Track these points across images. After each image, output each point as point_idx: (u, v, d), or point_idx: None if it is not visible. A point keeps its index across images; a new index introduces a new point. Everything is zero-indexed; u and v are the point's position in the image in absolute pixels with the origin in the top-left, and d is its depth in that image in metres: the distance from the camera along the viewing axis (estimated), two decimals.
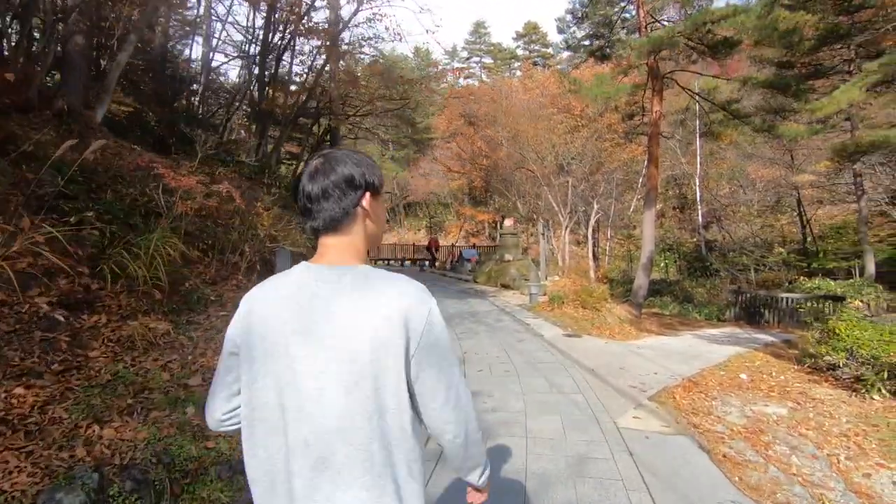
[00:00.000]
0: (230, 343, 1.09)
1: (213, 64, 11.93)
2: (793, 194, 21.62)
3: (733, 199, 28.48)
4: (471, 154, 24.22)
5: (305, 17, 9.93)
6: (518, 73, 44.19)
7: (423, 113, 43.66)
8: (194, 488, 2.77)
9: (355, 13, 11.45)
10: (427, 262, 22.95)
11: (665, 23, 14.51)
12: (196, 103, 11.97)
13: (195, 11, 11.90)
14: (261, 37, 9.78)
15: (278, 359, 1.00)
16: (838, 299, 14.04)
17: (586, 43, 15.20)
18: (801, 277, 19.05)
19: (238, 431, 1.10)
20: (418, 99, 43.80)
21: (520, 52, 49.92)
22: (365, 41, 12.18)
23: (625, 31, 14.50)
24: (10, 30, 7.04)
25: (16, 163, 4.42)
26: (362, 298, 1.00)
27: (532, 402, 5.04)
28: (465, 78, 50.13)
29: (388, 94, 14.61)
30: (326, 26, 10.34)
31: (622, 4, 15.69)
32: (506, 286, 14.25)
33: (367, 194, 1.11)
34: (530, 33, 49.29)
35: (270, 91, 9.69)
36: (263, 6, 9.38)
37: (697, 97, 15.20)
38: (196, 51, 14.65)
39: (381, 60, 13.51)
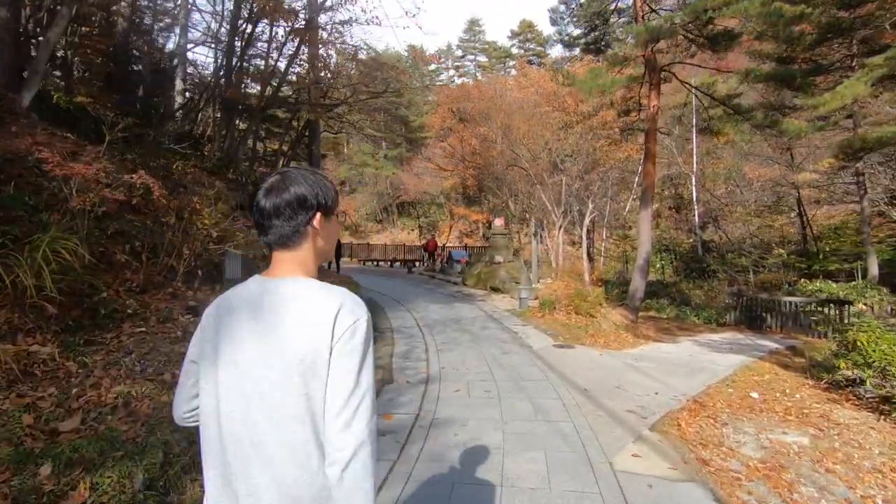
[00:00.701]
0: (192, 351, 1.19)
1: (191, 56, 11.19)
2: (792, 194, 20.89)
3: (730, 199, 27.81)
4: (462, 153, 23.37)
5: None
6: (513, 71, 43.44)
7: (417, 112, 42.90)
8: None
9: None
10: (416, 263, 22.14)
11: (663, 12, 13.73)
12: (170, 95, 11.17)
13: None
14: (230, 19, 8.94)
15: (226, 365, 1.08)
16: (844, 303, 13.29)
17: (579, 32, 14.35)
18: (803, 280, 18.32)
19: (198, 427, 1.16)
20: (411, 97, 43.18)
21: (515, 50, 49.15)
22: (341, 24, 11.33)
23: (622, 20, 13.70)
24: None
25: None
26: (298, 309, 1.06)
27: (513, 433, 4.22)
28: (460, 76, 49.39)
29: (372, 85, 13.72)
30: (300, 8, 9.53)
31: None
32: (495, 289, 13.44)
33: (319, 214, 1.16)
34: (525, 31, 48.53)
35: (237, 79, 8.84)
36: None
37: (696, 91, 14.42)
38: (175, 42, 13.77)
39: (363, 49, 12.66)
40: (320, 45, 11.95)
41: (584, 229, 15.41)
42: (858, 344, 6.20)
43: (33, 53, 6.74)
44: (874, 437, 4.88)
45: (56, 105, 7.36)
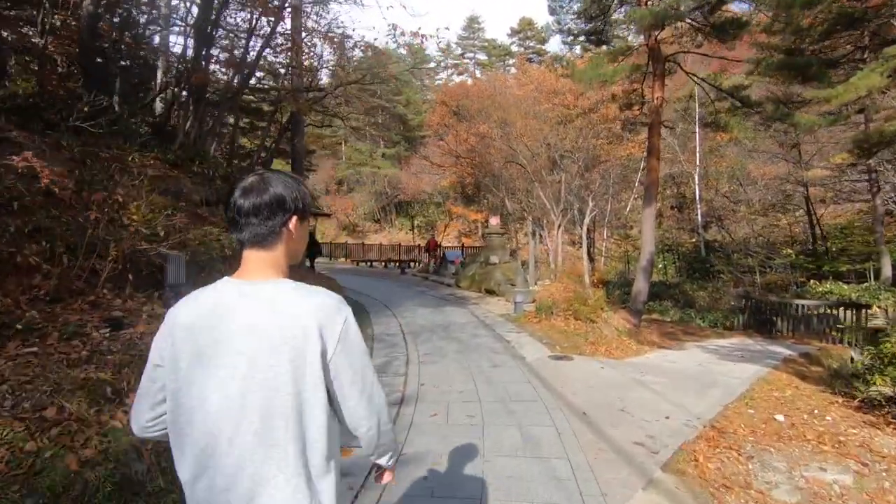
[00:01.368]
0: (156, 356, 1.14)
1: (179, 50, 10.35)
2: (800, 192, 20.02)
3: (734, 198, 27.01)
4: (458, 151, 22.52)
5: None
6: (513, 69, 42.59)
7: (416, 110, 42.10)
8: None
9: None
10: (411, 264, 21.34)
11: None
12: (150, 87, 10.38)
13: None
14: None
15: (202, 368, 1.06)
16: (862, 307, 12.45)
17: (580, 22, 13.52)
18: (812, 281, 17.47)
19: (161, 438, 1.19)
20: (409, 96, 42.39)
21: (514, 48, 48.33)
22: (317, 3, 10.46)
23: (623, 8, 12.88)
24: None
25: None
26: (280, 311, 1.07)
27: (495, 474, 3.42)
28: (459, 74, 48.59)
29: (356, 73, 12.89)
30: None
31: None
32: (490, 292, 12.62)
33: (295, 217, 1.18)
34: (525, 29, 47.70)
35: (205, 62, 8.03)
36: None
37: (703, 83, 13.59)
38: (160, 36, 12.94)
39: (350, 37, 11.81)
40: (303, 32, 11.17)
41: (585, 228, 14.59)
42: None
43: None
44: None
45: (15, 95, 6.62)
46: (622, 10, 13.80)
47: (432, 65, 51.86)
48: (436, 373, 5.98)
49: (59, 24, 8.77)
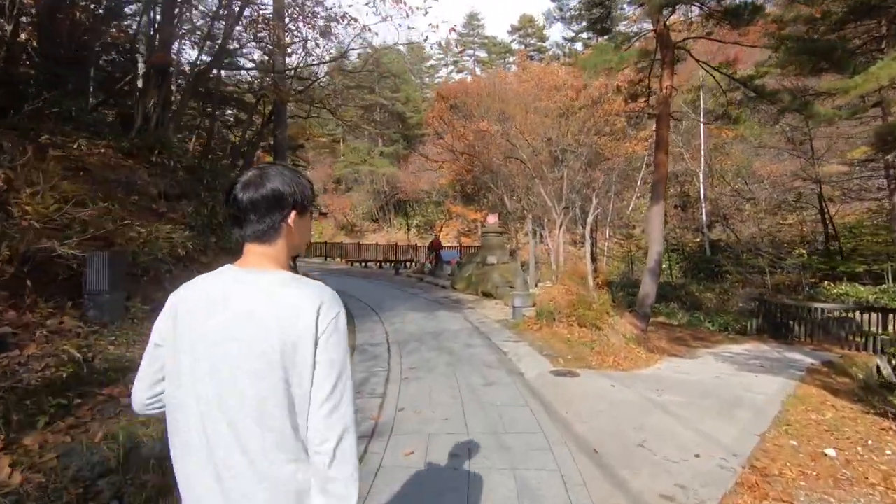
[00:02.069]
0: (157, 335, 1.16)
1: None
2: (812, 189, 19.03)
3: (739, 197, 26.10)
4: (454, 146, 21.54)
5: None
6: (513, 67, 41.63)
7: (415, 108, 41.20)
8: None
9: None
10: (406, 264, 20.46)
11: None
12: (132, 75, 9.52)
13: None
14: None
15: (198, 352, 1.07)
16: (886, 311, 11.52)
17: (582, 6, 12.57)
18: (826, 283, 16.54)
19: (161, 415, 1.18)
20: (408, 93, 41.49)
21: (515, 45, 47.36)
22: None
23: None
24: None
25: None
26: (276, 300, 1.07)
27: None
28: (459, 72, 47.68)
29: (345, 63, 11.97)
30: None
31: None
32: (487, 294, 11.71)
33: (294, 212, 1.17)
34: (526, 27, 46.75)
35: (167, 39, 7.11)
36: None
37: (714, 71, 12.64)
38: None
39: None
40: (287, 18, 10.27)
41: (588, 227, 13.66)
42: None
43: None
44: None
45: None
46: None
47: (432, 62, 51.02)
48: (419, 393, 5.07)
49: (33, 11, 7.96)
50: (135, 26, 9.72)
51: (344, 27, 10.69)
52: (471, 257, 14.17)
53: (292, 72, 11.11)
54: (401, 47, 41.30)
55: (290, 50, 10.35)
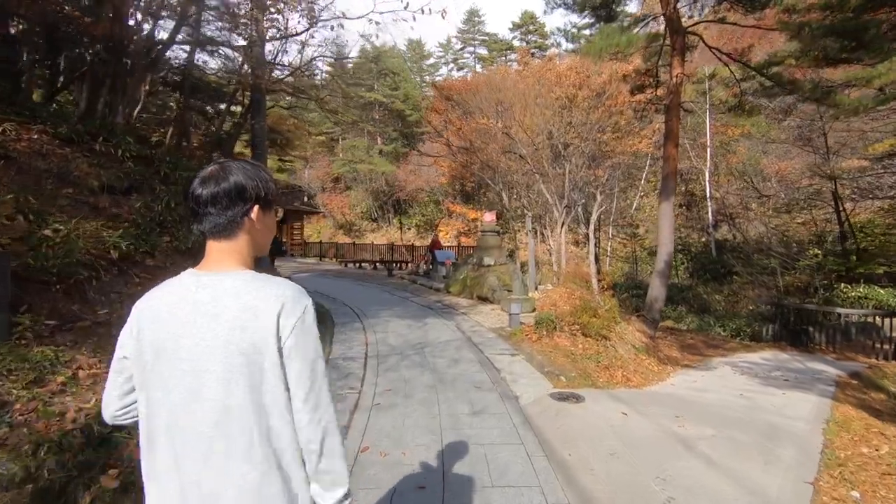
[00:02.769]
0: (122, 348, 1.13)
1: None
2: (827, 186, 17.98)
3: (746, 196, 25.14)
4: (452, 141, 20.54)
5: None
6: (514, 65, 40.60)
7: (414, 106, 40.26)
8: None
9: None
10: (401, 265, 19.52)
11: None
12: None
13: None
14: None
15: (165, 360, 1.04)
16: None
17: None
18: (843, 284, 15.53)
19: (132, 425, 1.16)
20: (408, 90, 40.55)
21: (516, 43, 46.34)
22: None
23: None
24: None
25: None
26: (241, 301, 1.04)
27: None
28: (459, 70, 46.74)
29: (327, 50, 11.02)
30: None
31: None
32: (483, 299, 10.75)
33: (257, 207, 1.14)
34: (527, 23, 45.72)
35: (115, 11, 6.17)
36: None
37: (728, 59, 11.65)
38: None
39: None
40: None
41: (592, 226, 12.69)
42: None
43: None
44: None
45: None
46: None
47: (432, 60, 50.08)
48: (391, 426, 4.13)
49: None
50: None
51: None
52: (466, 258, 13.21)
53: (273, 57, 10.20)
54: (399, 44, 40.30)
55: (269, 34, 9.41)
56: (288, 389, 1.06)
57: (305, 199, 39.40)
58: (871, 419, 5.97)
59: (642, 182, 29.69)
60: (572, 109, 13.98)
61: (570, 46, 12.05)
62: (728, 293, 19.00)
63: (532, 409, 4.64)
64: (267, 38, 9.32)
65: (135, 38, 6.00)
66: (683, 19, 11.52)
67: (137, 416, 1.11)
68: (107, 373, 1.19)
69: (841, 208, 17.07)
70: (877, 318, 11.04)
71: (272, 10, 8.04)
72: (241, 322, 1.02)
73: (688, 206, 29.64)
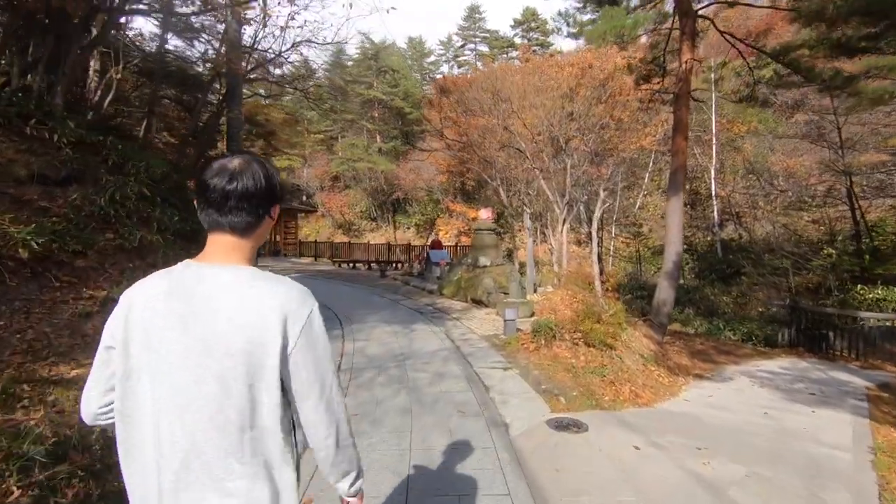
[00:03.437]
0: (108, 337, 1.06)
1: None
2: (840, 183, 17.07)
3: (753, 194, 24.30)
4: (449, 135, 19.63)
5: None
6: (516, 62, 39.70)
7: (414, 103, 39.42)
8: None
9: None
10: (397, 265, 18.70)
11: None
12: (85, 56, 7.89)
13: None
14: None
15: (154, 353, 0.99)
16: None
17: None
18: (859, 286, 14.63)
19: (113, 425, 1.06)
20: (407, 87, 39.71)
21: (518, 40, 45.43)
22: None
23: None
24: None
25: None
26: (242, 297, 1.00)
27: None
28: (459, 67, 45.90)
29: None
30: None
31: None
32: (478, 302, 9.91)
33: (277, 206, 1.13)
34: (529, 20, 44.85)
35: None
36: None
37: (742, 44, 10.77)
38: None
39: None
40: None
41: (595, 224, 11.84)
42: None
43: None
44: None
45: None
46: None
47: (433, 58, 49.25)
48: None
49: None
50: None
51: None
52: (461, 258, 12.38)
53: (252, 42, 9.38)
54: (398, 41, 39.45)
55: (246, 14, 8.61)
56: (284, 391, 1.02)
57: (304, 197, 38.66)
58: None
59: (646, 180, 28.86)
60: (574, 99, 13.10)
61: (572, 31, 11.14)
62: (736, 294, 18.10)
63: (525, 441, 3.80)
64: (243, 17, 8.51)
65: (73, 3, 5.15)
66: (693, 3, 10.65)
67: None
68: None
69: (856, 206, 16.15)
70: None
71: None
72: (243, 320, 0.97)
73: (692, 204, 28.73)
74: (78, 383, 3.30)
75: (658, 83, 12.29)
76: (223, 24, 9.20)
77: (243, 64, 9.29)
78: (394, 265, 18.81)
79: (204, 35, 9.81)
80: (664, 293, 10.31)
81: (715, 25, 10.54)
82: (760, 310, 16.81)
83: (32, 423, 2.89)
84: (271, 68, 10.44)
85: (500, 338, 7.12)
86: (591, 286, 11.30)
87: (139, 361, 0.99)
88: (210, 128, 9.72)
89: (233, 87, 8.93)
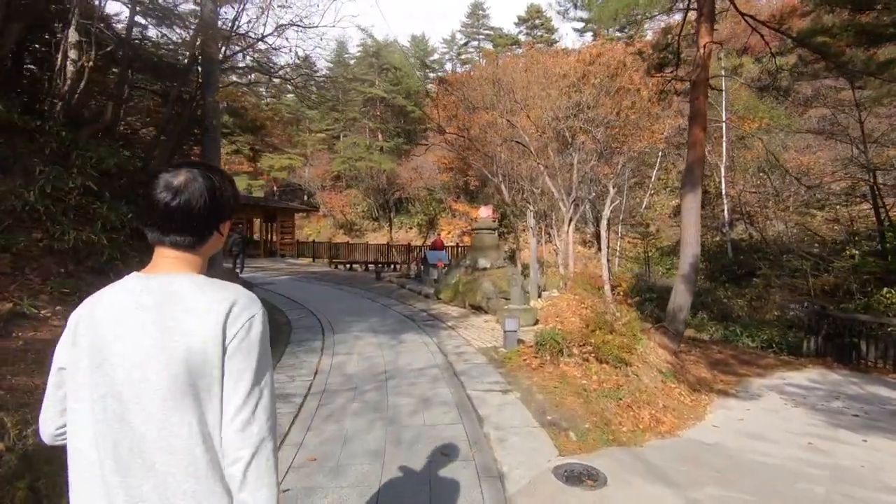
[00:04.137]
0: (58, 358, 1.04)
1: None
2: (863, 180, 16.03)
3: (765, 192, 23.34)
4: (445, 125, 18.70)
5: None
6: (522, 61, 38.82)
7: (416, 103, 38.57)
8: None
9: None
10: (396, 266, 17.84)
11: None
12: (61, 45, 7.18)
13: None
14: None
15: (100, 370, 0.95)
16: None
17: None
18: (885, 289, 13.61)
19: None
20: (409, 85, 38.86)
21: (522, 37, 44.44)
22: None
23: None
24: None
25: None
26: (186, 306, 0.96)
27: None
28: (463, 65, 44.98)
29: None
30: None
31: None
32: (477, 308, 9.02)
33: (228, 222, 1.10)
34: (533, 17, 43.88)
35: None
36: None
37: (764, 27, 9.83)
38: None
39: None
40: None
41: (605, 222, 10.92)
42: None
43: None
44: None
45: None
46: None
47: (436, 56, 48.38)
48: None
49: None
50: None
51: None
52: (459, 260, 11.49)
53: (231, 26, 8.55)
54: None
55: None
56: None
57: (305, 197, 37.89)
58: None
59: (653, 180, 27.91)
60: (581, 90, 12.17)
61: (582, 15, 10.24)
62: (751, 297, 17.11)
63: (525, 501, 2.91)
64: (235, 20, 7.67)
65: None
66: None
67: None
68: None
69: (880, 204, 15.13)
70: None
71: None
72: (186, 327, 0.93)
73: (701, 204, 27.72)
74: None
75: (671, 72, 11.37)
76: (199, 6, 8.35)
77: (221, 48, 8.45)
78: (391, 266, 17.94)
79: (181, 22, 8.98)
80: (680, 298, 9.38)
81: (735, 6, 9.60)
82: (777, 313, 15.86)
83: None
84: (255, 56, 9.59)
85: (499, 351, 6.23)
86: (600, 290, 10.39)
87: (88, 379, 0.94)
88: (183, 116, 8.87)
89: (208, 72, 8.08)
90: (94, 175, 5.44)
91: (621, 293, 9.54)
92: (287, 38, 10.18)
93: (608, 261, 16.18)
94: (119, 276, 1.06)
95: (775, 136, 23.66)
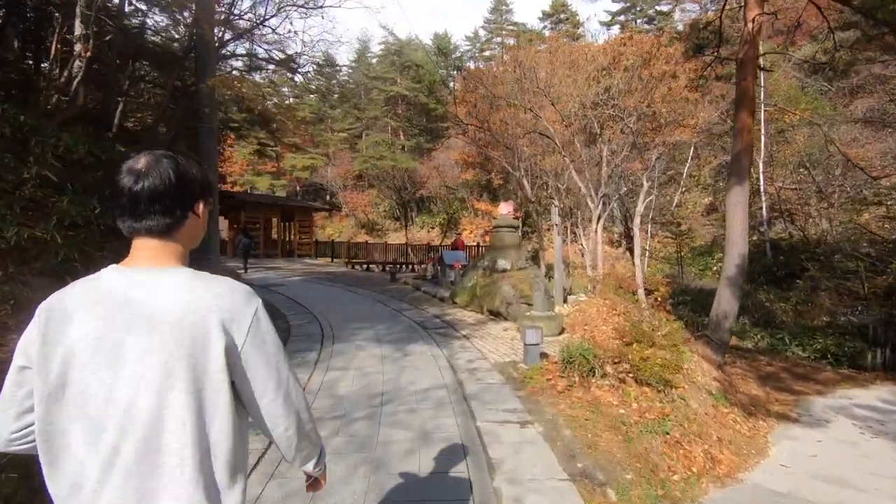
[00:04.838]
0: (22, 356, 0.94)
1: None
2: None
3: (806, 188, 21.82)
4: (466, 118, 17.78)
5: None
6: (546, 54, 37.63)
7: (438, 100, 37.78)
8: None
9: None
10: (414, 267, 17.04)
11: None
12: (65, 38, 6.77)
13: None
14: None
15: (83, 368, 0.88)
16: None
17: None
18: None
19: (30, 451, 0.95)
20: (431, 80, 38.06)
21: (546, 32, 43.17)
22: None
23: None
24: None
25: None
26: (179, 302, 0.91)
27: None
28: (486, 61, 43.96)
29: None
30: None
31: None
32: (495, 314, 8.10)
33: (202, 202, 1.04)
34: (558, 12, 42.56)
35: None
36: None
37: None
38: None
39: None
40: None
41: (638, 220, 9.85)
42: None
43: None
44: None
45: None
46: None
47: (458, 54, 47.48)
48: None
49: None
50: None
51: None
52: (476, 260, 10.58)
53: (228, 9, 7.85)
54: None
55: None
56: (238, 395, 0.95)
57: (328, 196, 37.53)
58: None
59: (684, 177, 26.42)
60: (612, 74, 11.09)
61: None
62: (796, 301, 15.68)
63: None
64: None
65: None
66: None
67: (35, 441, 0.90)
68: None
69: None
70: None
71: None
72: (181, 324, 0.88)
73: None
74: None
75: (712, 52, 10.22)
76: None
77: (218, 32, 7.76)
78: (409, 267, 17.14)
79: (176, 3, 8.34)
80: (725, 304, 8.27)
81: None
82: (827, 319, 14.47)
83: None
84: (260, 43, 8.90)
85: (518, 368, 5.31)
86: (634, 294, 9.35)
87: (67, 379, 0.87)
88: (179, 106, 8.25)
89: (202, 58, 7.42)
90: (56, 165, 4.76)
91: (659, 298, 8.47)
92: (291, 22, 9.44)
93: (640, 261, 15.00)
94: (76, 278, 0.95)
95: (818, 130, 22.03)
